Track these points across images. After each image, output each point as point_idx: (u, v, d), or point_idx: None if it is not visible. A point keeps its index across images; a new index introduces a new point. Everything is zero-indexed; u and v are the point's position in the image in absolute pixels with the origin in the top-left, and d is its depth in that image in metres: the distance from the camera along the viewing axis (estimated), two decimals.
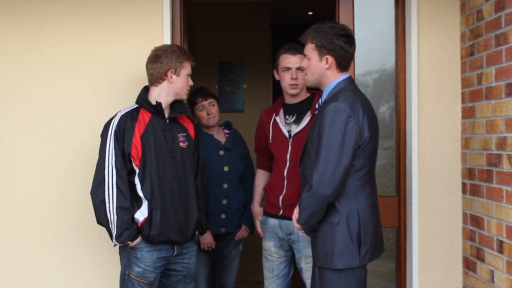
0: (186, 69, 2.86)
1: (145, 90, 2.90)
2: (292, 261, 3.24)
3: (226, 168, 3.46)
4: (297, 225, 2.67)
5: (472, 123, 3.22)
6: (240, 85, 5.87)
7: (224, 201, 3.44)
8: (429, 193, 3.34)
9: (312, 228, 2.60)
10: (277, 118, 3.20)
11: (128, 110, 2.84)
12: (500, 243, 2.93)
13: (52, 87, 3.28)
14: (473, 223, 3.22)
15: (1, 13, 3.26)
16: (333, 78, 2.64)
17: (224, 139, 3.54)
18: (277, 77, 3.20)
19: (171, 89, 2.85)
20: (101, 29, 3.28)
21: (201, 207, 3.00)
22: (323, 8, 5.47)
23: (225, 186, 3.45)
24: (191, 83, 2.91)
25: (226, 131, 3.60)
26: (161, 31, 3.28)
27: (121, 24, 3.28)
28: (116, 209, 2.70)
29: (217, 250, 3.51)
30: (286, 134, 3.15)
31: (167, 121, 2.87)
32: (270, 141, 3.22)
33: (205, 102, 3.46)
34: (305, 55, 2.69)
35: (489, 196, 3.04)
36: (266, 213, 3.24)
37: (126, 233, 2.71)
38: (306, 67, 2.69)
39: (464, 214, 3.33)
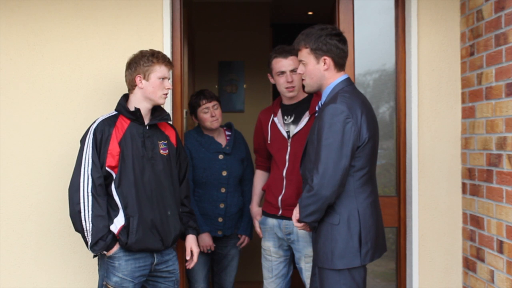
0: (157, 72, 2.79)
1: (125, 98, 2.89)
2: (291, 261, 3.24)
3: (224, 173, 3.45)
4: (297, 225, 2.68)
5: (472, 123, 3.22)
6: (240, 85, 5.87)
7: (222, 205, 3.44)
8: (429, 193, 3.34)
9: (312, 224, 2.60)
10: (275, 119, 3.19)
11: (107, 116, 2.83)
12: (500, 243, 2.93)
13: (52, 87, 3.27)
14: (473, 223, 3.22)
15: (1, 13, 3.26)
16: (332, 79, 2.64)
17: (225, 141, 3.54)
18: (272, 81, 3.19)
19: (143, 95, 2.82)
20: (101, 29, 3.28)
21: (190, 211, 3.02)
22: (323, 8, 5.48)
23: (223, 190, 3.45)
24: (168, 86, 2.83)
25: (227, 132, 3.60)
26: (161, 31, 3.28)
27: (121, 24, 3.28)
28: (92, 217, 2.67)
29: (215, 250, 3.51)
30: (285, 134, 3.15)
31: (147, 127, 2.84)
32: (269, 142, 3.22)
33: (209, 105, 3.46)
34: (300, 61, 2.69)
35: (489, 196, 3.04)
36: (265, 213, 3.24)
37: (102, 243, 2.68)
38: (302, 73, 2.70)
39: (464, 214, 3.33)
